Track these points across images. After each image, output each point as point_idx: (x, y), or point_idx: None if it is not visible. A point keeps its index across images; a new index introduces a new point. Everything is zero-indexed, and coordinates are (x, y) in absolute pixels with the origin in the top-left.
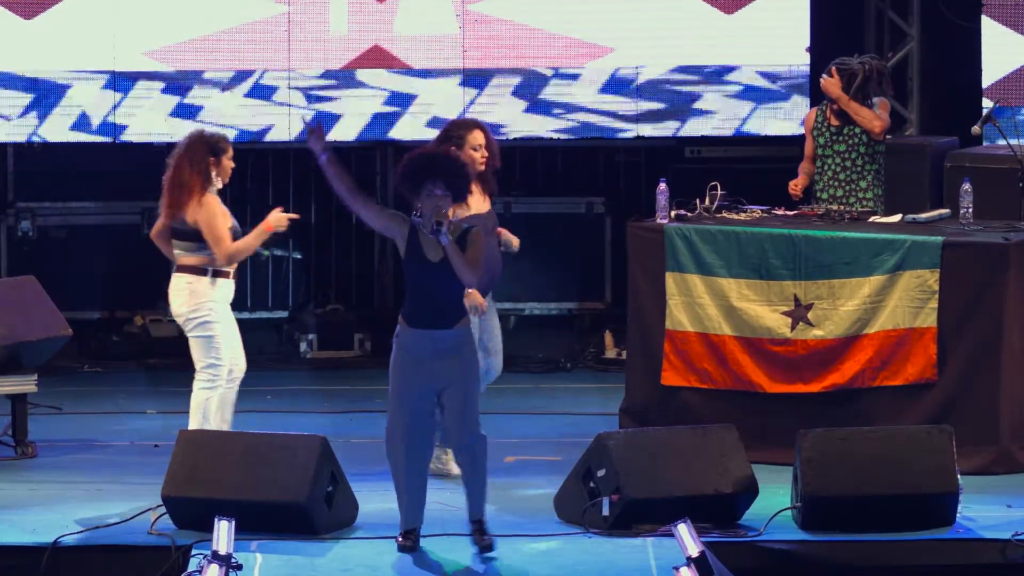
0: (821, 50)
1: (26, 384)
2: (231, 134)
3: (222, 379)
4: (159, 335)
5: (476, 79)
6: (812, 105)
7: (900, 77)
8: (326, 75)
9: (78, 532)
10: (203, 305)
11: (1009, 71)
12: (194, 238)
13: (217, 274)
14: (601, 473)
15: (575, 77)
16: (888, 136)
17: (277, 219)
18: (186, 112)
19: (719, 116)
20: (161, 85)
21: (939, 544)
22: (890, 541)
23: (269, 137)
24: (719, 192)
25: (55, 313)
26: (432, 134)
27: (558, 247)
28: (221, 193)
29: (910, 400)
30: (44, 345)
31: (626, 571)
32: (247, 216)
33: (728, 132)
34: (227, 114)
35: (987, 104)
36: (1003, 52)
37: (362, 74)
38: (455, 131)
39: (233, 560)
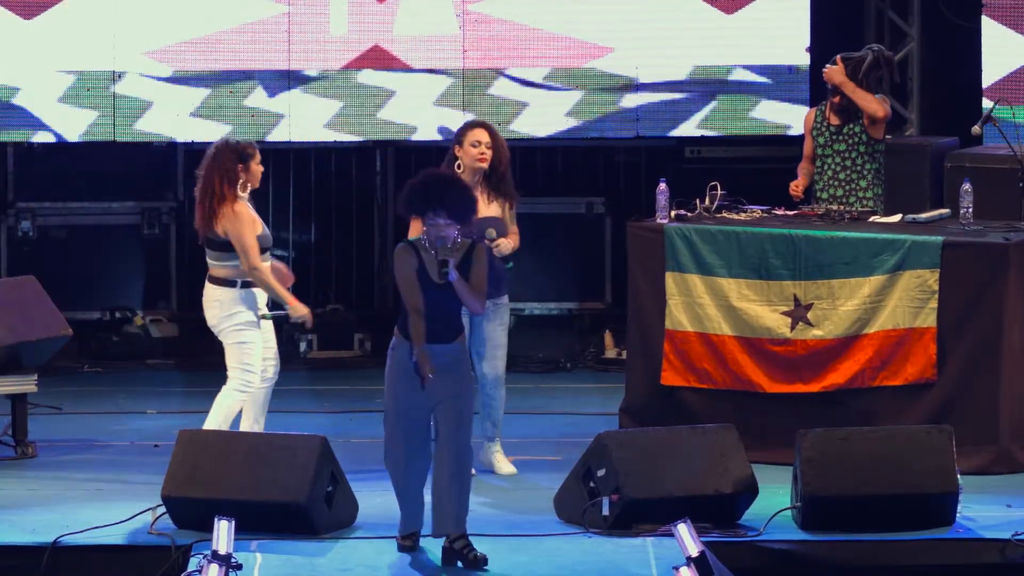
0: (821, 50)
1: (26, 384)
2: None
3: (254, 386)
4: (159, 335)
5: (476, 79)
6: (812, 105)
7: (900, 77)
8: (326, 75)
9: (78, 532)
10: (234, 316)
11: (1009, 71)
12: (224, 248)
13: (247, 284)
14: (601, 473)
15: (575, 77)
16: (888, 136)
17: (304, 314)
18: (186, 112)
19: (719, 116)
20: (161, 85)
21: (939, 544)
22: (890, 541)
23: (270, 137)
24: (719, 192)
25: (55, 313)
26: (432, 134)
27: (558, 247)
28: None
29: (910, 400)
30: (44, 345)
31: (626, 571)
32: None
33: (728, 132)
34: (227, 114)
35: (987, 104)
36: (1003, 52)
37: (362, 74)
38: (460, 130)
39: (233, 560)
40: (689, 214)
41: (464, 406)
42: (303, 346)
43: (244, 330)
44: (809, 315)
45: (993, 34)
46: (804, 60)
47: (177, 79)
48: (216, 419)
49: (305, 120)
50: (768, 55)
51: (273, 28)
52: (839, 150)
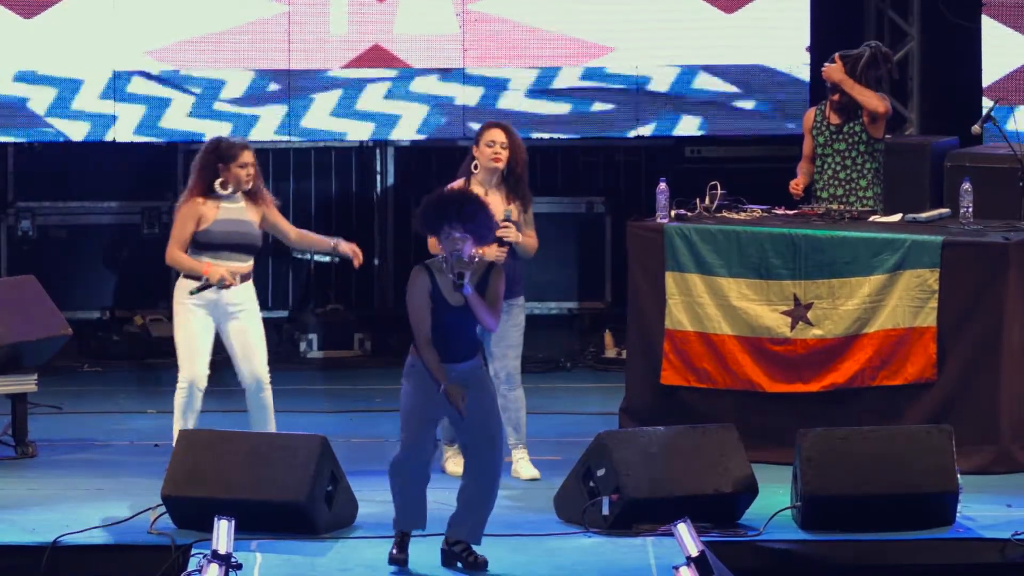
0: (821, 50)
1: (26, 384)
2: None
3: (185, 381)
4: (159, 335)
5: (476, 79)
6: (812, 105)
7: (900, 77)
8: (326, 75)
9: (78, 532)
10: (176, 306)
11: (1009, 71)
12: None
13: (187, 276)
14: (601, 473)
15: (575, 77)
16: (888, 135)
17: (216, 272)
18: (186, 112)
19: (719, 115)
20: (161, 85)
21: (939, 544)
22: (890, 541)
23: (270, 137)
24: (719, 192)
25: (55, 313)
26: (432, 134)
27: (558, 247)
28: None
29: (910, 400)
30: (44, 345)
31: (626, 571)
32: None
33: (728, 132)
34: (227, 114)
35: (987, 104)
36: (1003, 52)
37: (362, 74)
38: (479, 131)
39: (233, 560)
40: (689, 214)
41: (494, 419)
42: (303, 346)
43: (177, 324)
44: (809, 315)
45: (993, 34)
46: (804, 59)
47: (177, 79)
48: (175, 418)
49: (305, 120)
50: (768, 55)
51: (273, 28)
52: (839, 149)
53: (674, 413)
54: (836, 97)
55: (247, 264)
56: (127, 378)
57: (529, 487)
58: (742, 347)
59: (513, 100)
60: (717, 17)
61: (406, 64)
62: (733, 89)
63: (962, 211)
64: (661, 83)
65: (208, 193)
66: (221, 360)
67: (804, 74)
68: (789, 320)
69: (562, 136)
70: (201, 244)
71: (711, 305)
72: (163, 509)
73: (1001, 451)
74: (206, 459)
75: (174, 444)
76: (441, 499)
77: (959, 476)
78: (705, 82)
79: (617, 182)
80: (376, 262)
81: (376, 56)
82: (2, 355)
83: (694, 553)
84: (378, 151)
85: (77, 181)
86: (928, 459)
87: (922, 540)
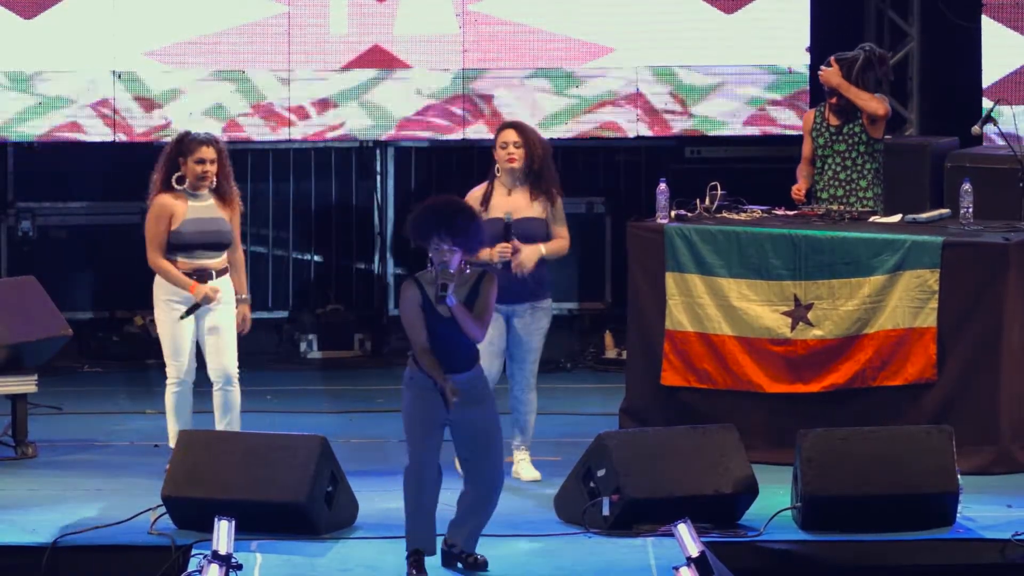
0: (821, 50)
1: (26, 384)
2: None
3: (173, 378)
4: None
5: (476, 79)
6: (812, 105)
7: (900, 77)
8: (326, 75)
9: (78, 532)
10: (155, 304)
11: (1009, 71)
12: None
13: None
14: (601, 473)
15: (575, 77)
16: (888, 136)
17: (201, 291)
18: (186, 112)
19: (719, 116)
20: (161, 85)
21: (939, 544)
22: (890, 541)
23: (270, 137)
24: (719, 192)
25: (55, 313)
26: (432, 134)
27: None
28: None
29: (910, 400)
30: (44, 345)
31: (626, 571)
32: (248, 216)
33: (728, 132)
34: (227, 114)
35: (987, 104)
36: (1003, 52)
37: (362, 74)
38: (495, 133)
39: (233, 560)
40: (689, 214)
41: (492, 431)
42: (303, 346)
43: (159, 321)
44: (809, 315)
45: (993, 34)
46: (804, 60)
47: (177, 79)
48: (168, 418)
49: (304, 120)
50: (768, 55)
51: (273, 28)
52: (839, 150)
53: (674, 413)
54: (834, 100)
55: (220, 259)
56: (127, 378)
57: (529, 487)
58: (742, 348)
59: (512, 100)
60: (717, 17)
61: (406, 64)
62: (733, 89)
63: (962, 211)
64: (661, 83)
65: (168, 186)
66: None
67: (804, 75)
68: (789, 321)
69: (562, 136)
70: (174, 245)
71: (711, 306)
72: (163, 509)
73: (1001, 451)
74: (206, 460)
75: (171, 444)
76: (444, 500)
77: (959, 476)
78: (705, 82)
79: (617, 182)
80: (376, 262)
81: (376, 56)
82: (2, 355)
83: (694, 553)
84: (378, 151)
85: (77, 181)
86: (928, 459)
87: (922, 541)
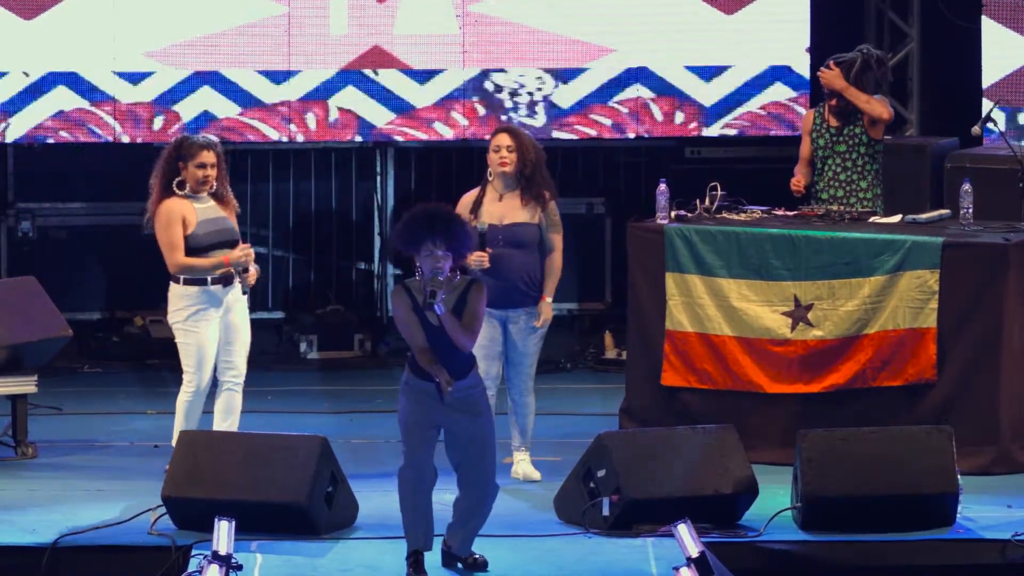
0: (821, 50)
1: (26, 384)
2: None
3: (193, 385)
4: (159, 335)
5: (476, 79)
6: (811, 106)
7: (900, 77)
8: (326, 75)
9: (78, 532)
10: (176, 313)
11: (1009, 71)
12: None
13: (189, 282)
14: (601, 473)
15: (575, 77)
16: (887, 136)
17: (236, 256)
18: (186, 112)
19: (719, 116)
20: (161, 85)
21: (939, 544)
22: (890, 541)
23: (270, 137)
24: (719, 192)
25: (55, 313)
26: (432, 135)
27: None
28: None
29: (910, 400)
30: (44, 345)
31: (626, 571)
32: (247, 216)
33: (728, 132)
34: (227, 114)
35: (987, 104)
36: (1003, 52)
37: (362, 74)
38: (489, 137)
39: (233, 560)
40: (689, 214)
41: (486, 444)
42: (303, 347)
43: (184, 330)
44: (809, 315)
45: (993, 34)
46: (804, 60)
47: (177, 79)
48: (177, 420)
49: (304, 120)
50: (768, 55)
51: (273, 28)
52: (839, 151)
53: (674, 414)
54: (834, 102)
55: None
56: (127, 379)
57: (529, 487)
58: (742, 348)
59: (512, 100)
60: (717, 17)
61: (406, 64)
62: (733, 90)
63: (962, 212)
64: (661, 84)
65: (169, 191)
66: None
67: (804, 75)
68: (789, 321)
69: (562, 137)
70: (192, 248)
71: (711, 306)
72: (163, 510)
73: (1001, 451)
74: (206, 460)
75: (174, 444)
76: (444, 500)
77: (959, 477)
78: (705, 82)
79: (617, 183)
80: (376, 263)
81: (376, 57)
82: (2, 355)
83: (694, 554)
84: (378, 152)
85: (77, 181)
86: (928, 460)
87: (922, 541)
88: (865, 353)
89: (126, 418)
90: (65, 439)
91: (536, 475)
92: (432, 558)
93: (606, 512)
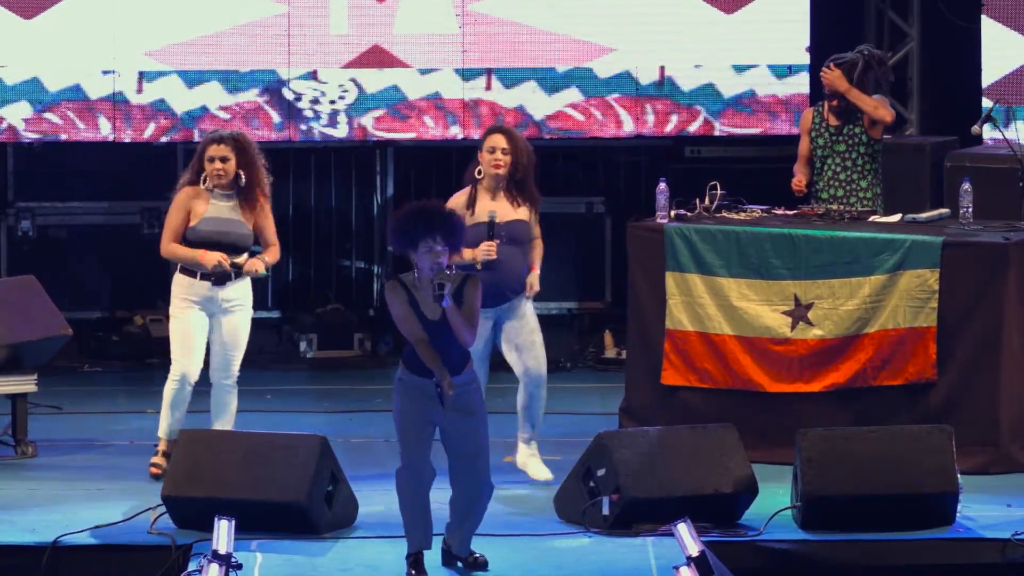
0: (821, 50)
1: (26, 384)
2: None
3: (177, 373)
4: (159, 334)
5: (476, 79)
6: (810, 105)
7: (900, 77)
8: (326, 75)
9: (78, 532)
10: (171, 301)
11: (1009, 71)
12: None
13: (183, 271)
14: (601, 473)
15: (575, 77)
16: (887, 136)
17: (210, 258)
18: (186, 112)
19: (719, 116)
20: (161, 85)
21: (939, 544)
22: (890, 541)
23: (270, 137)
24: (719, 192)
25: (55, 313)
26: (432, 135)
27: (558, 247)
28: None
29: (910, 400)
30: (44, 345)
31: (626, 571)
32: None
33: (728, 132)
34: (227, 114)
35: (987, 104)
36: (1003, 52)
37: (362, 74)
38: (482, 137)
39: (233, 560)
40: (689, 214)
41: (480, 443)
42: (303, 346)
43: (172, 316)
44: (809, 315)
45: (993, 34)
46: (804, 60)
47: (177, 79)
48: (163, 410)
49: (304, 120)
50: (768, 55)
51: (273, 28)
52: (839, 151)
53: (674, 413)
54: (835, 102)
55: (239, 260)
56: (127, 378)
57: (529, 487)
58: (743, 347)
59: (512, 101)
60: (717, 17)
61: (406, 64)
62: (733, 89)
63: (962, 211)
64: (661, 83)
65: (195, 184)
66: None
67: (804, 75)
68: (789, 320)
69: (562, 136)
70: (189, 241)
71: (711, 305)
72: (163, 509)
73: (1001, 451)
74: (206, 459)
75: (160, 435)
76: (444, 499)
77: (959, 476)
78: (705, 82)
79: (617, 182)
80: (376, 262)
81: (376, 56)
82: (2, 355)
83: (694, 553)
84: (378, 152)
85: (77, 181)
86: (928, 459)
87: (922, 540)
88: (865, 352)
89: (126, 417)
90: (65, 438)
91: (547, 475)
92: (432, 557)
93: (606, 511)
